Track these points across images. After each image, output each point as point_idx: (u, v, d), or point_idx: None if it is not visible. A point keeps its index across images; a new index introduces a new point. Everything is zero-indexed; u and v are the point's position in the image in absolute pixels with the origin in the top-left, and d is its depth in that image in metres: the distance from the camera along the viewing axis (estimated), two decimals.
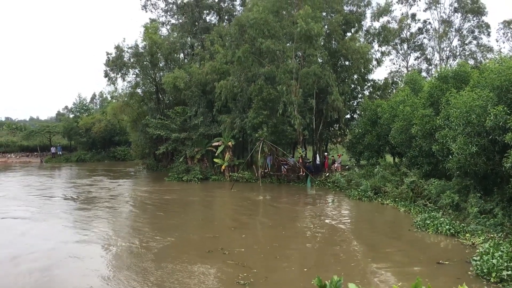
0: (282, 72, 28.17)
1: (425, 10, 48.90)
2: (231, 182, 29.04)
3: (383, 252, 12.83)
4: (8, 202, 23.22)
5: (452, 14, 47.25)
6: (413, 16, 49.56)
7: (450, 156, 16.21)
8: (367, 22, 36.03)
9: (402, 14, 49.49)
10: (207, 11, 43.05)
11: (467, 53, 47.48)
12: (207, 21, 43.36)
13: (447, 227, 14.52)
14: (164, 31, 44.97)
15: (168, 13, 44.83)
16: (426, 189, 19.25)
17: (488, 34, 46.29)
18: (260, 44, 27.72)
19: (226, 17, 42.68)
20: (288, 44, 30.14)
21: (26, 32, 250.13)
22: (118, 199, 24.23)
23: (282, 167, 30.12)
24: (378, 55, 36.38)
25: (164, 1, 44.38)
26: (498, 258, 10.32)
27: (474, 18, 46.24)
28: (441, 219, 15.48)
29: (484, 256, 10.75)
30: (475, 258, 10.99)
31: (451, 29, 47.57)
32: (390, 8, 37.96)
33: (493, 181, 15.85)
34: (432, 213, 16.51)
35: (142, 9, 45.04)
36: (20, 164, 51.29)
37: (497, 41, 49.37)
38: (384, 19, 38.33)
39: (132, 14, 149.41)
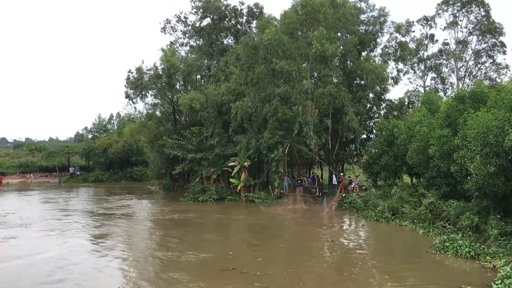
0: (297, 93, 28.33)
1: (443, 29, 49.24)
2: (256, 204, 28.83)
3: (401, 276, 12.59)
4: (31, 217, 24.02)
5: (471, 33, 47.33)
6: (432, 37, 49.96)
7: (469, 177, 16.00)
8: (382, 40, 36.28)
9: (422, 34, 49.95)
10: (224, 34, 43.90)
11: (483, 72, 47.35)
12: (224, 43, 44.16)
13: (467, 249, 14.24)
14: (182, 52, 45.93)
15: (186, 35, 45.83)
16: (445, 210, 18.95)
17: (504, 53, 46.22)
18: (275, 65, 28.01)
19: (242, 38, 43.43)
20: (303, 65, 30.36)
21: (47, 55, 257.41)
22: (136, 218, 24.71)
23: (298, 188, 29.99)
24: (395, 73, 36.48)
25: (183, 23, 45.46)
26: None
27: (492, 39, 46.18)
28: (460, 241, 15.19)
29: (505, 279, 10.53)
30: (496, 281, 10.76)
31: (468, 49, 47.63)
32: (408, 28, 38.24)
33: None
34: (451, 235, 16.20)
35: (161, 32, 46.20)
36: (38, 184, 52.07)
37: None
38: (401, 38, 38.47)
39: (151, 36, 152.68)
